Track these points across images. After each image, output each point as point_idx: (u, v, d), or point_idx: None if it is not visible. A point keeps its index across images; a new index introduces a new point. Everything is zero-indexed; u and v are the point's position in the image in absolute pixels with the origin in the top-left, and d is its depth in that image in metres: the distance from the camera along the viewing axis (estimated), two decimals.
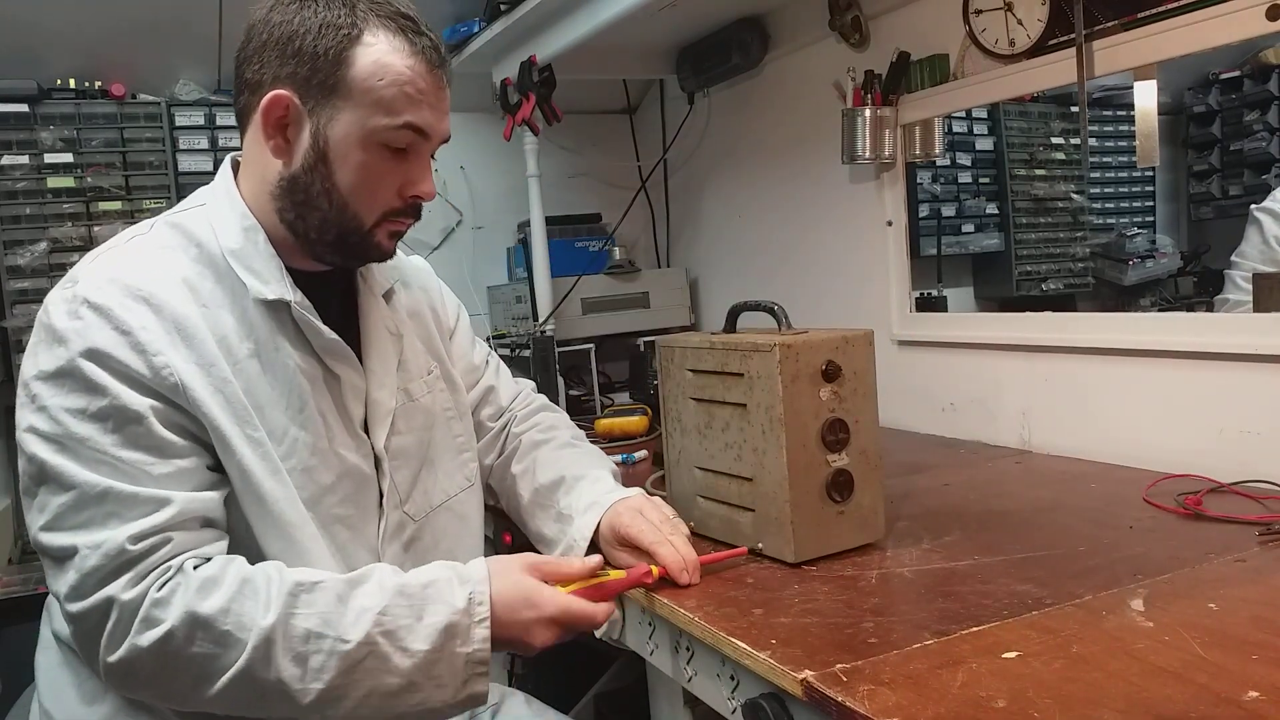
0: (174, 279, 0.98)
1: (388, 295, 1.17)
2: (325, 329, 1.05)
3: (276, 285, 1.02)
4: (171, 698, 0.92)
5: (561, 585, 1.01)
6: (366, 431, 1.09)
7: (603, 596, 1.02)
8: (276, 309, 1.02)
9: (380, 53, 0.98)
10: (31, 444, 0.92)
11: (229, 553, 0.95)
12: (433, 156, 1.07)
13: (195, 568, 0.91)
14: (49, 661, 1.05)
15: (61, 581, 0.89)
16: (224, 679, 0.88)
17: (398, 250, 1.14)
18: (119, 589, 0.88)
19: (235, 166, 1.08)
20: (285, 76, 0.98)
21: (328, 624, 0.91)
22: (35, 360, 0.94)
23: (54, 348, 0.92)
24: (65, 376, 0.91)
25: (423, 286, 1.27)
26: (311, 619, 0.90)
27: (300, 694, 0.89)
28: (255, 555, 0.96)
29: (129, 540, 0.88)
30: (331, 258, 1.07)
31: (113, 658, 0.88)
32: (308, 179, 1.00)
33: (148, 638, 0.87)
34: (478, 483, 1.25)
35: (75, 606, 0.89)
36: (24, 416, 0.93)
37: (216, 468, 0.97)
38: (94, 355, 0.91)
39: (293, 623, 0.90)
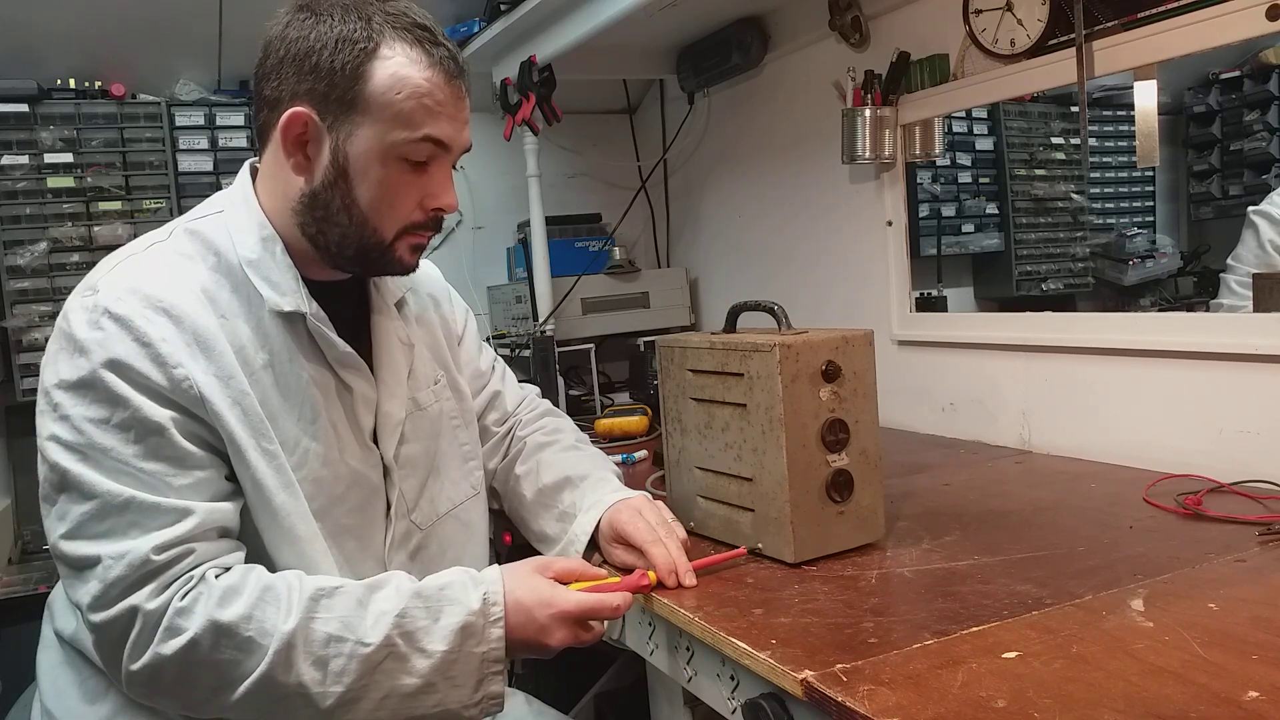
0: (193, 290, 0.98)
1: (399, 304, 1.17)
2: (339, 341, 1.05)
3: (293, 297, 1.02)
4: (193, 705, 0.92)
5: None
6: (376, 442, 1.09)
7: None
8: (292, 320, 1.03)
9: (397, 65, 0.97)
10: (54, 452, 0.92)
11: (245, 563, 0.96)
12: (455, 167, 1.06)
13: (216, 577, 0.91)
14: (50, 661, 1.05)
15: (83, 591, 0.90)
16: (245, 685, 0.89)
17: None
18: (143, 599, 0.88)
19: (253, 172, 1.08)
20: (303, 93, 0.97)
21: (348, 627, 0.91)
22: (56, 369, 0.93)
23: (75, 357, 0.92)
24: (87, 387, 0.91)
25: (431, 293, 1.27)
26: (332, 623, 0.91)
27: (320, 697, 0.90)
28: (267, 566, 0.97)
29: (153, 550, 0.88)
30: (353, 268, 1.07)
31: (136, 666, 0.89)
32: (328, 195, 1.00)
33: (171, 646, 0.88)
34: (483, 490, 1.25)
35: (98, 616, 0.89)
36: (45, 424, 0.93)
37: (232, 478, 0.97)
38: (115, 366, 0.91)
39: (313, 627, 0.90)
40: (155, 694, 0.92)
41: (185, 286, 0.98)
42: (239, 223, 1.03)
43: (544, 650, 0.98)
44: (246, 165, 1.09)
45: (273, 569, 0.96)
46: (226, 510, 0.95)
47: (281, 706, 0.90)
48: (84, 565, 0.90)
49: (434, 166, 1.02)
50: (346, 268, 1.07)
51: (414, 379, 1.15)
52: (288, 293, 1.02)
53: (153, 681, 0.90)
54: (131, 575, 0.88)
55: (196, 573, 0.90)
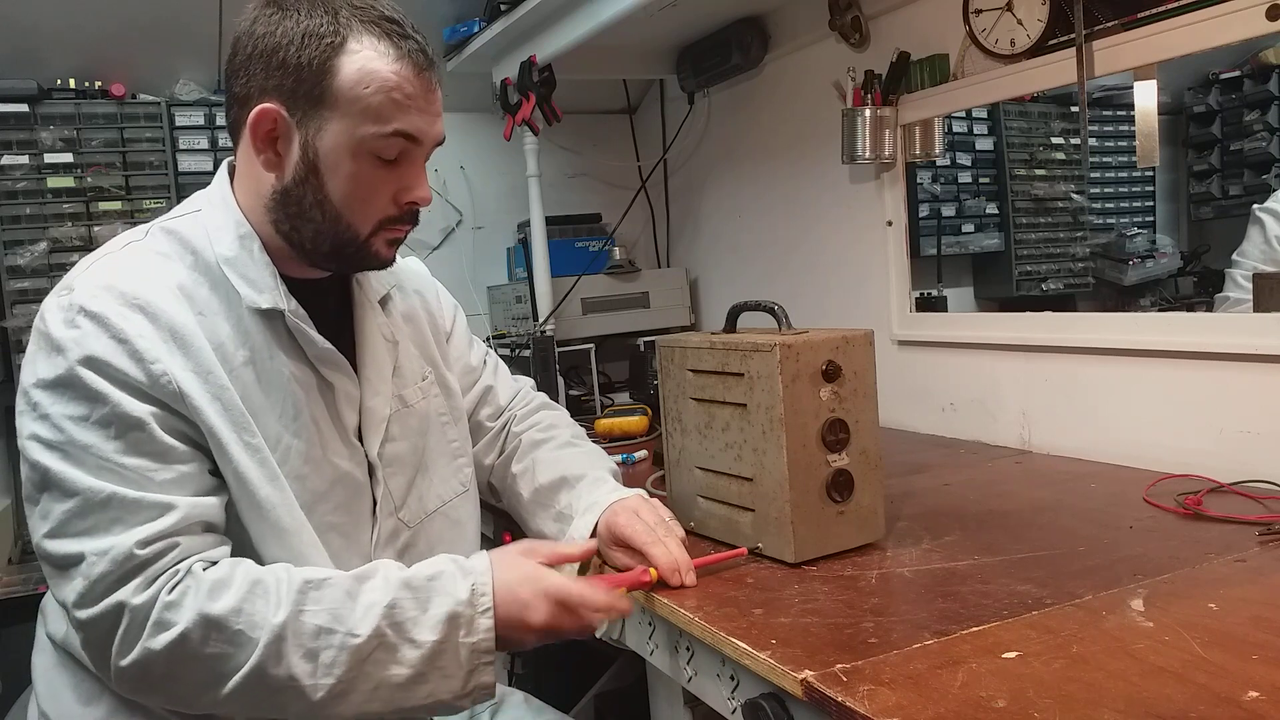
0: (169, 287, 0.98)
1: (384, 301, 1.17)
2: (318, 338, 1.04)
3: (270, 294, 1.01)
4: (182, 700, 0.92)
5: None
6: (360, 439, 1.09)
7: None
8: (271, 317, 1.02)
9: (365, 59, 0.96)
10: (34, 451, 0.91)
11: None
12: (426, 162, 1.05)
13: (204, 570, 0.91)
14: (45, 663, 1.05)
15: (68, 589, 0.89)
16: (236, 678, 0.88)
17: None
18: (129, 594, 0.88)
19: (232, 171, 1.07)
20: (272, 89, 0.97)
21: (337, 619, 0.91)
22: (34, 368, 0.93)
23: (52, 356, 0.92)
24: (65, 385, 0.91)
25: (418, 290, 1.26)
26: (321, 615, 0.91)
27: (311, 690, 0.89)
28: (255, 561, 0.96)
29: (137, 545, 0.88)
30: (329, 265, 1.07)
31: (125, 662, 0.88)
32: (299, 191, 0.99)
33: (160, 640, 0.87)
34: (473, 488, 1.24)
35: (84, 613, 0.88)
36: (26, 424, 0.93)
37: (216, 473, 0.97)
38: (92, 363, 0.91)
39: (303, 619, 0.90)
40: (145, 690, 0.91)
41: (161, 284, 0.97)
42: (216, 221, 1.03)
43: (530, 631, 0.96)
44: (225, 164, 1.08)
45: (260, 563, 0.96)
46: (211, 504, 0.94)
47: (272, 700, 0.90)
48: (68, 563, 0.89)
49: (406, 160, 1.01)
50: (323, 264, 1.06)
51: (400, 376, 1.15)
52: (265, 290, 1.01)
53: (142, 677, 0.89)
54: (116, 571, 0.87)
55: (183, 566, 0.90)
